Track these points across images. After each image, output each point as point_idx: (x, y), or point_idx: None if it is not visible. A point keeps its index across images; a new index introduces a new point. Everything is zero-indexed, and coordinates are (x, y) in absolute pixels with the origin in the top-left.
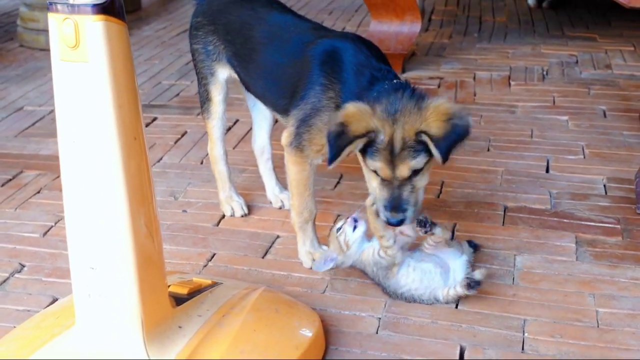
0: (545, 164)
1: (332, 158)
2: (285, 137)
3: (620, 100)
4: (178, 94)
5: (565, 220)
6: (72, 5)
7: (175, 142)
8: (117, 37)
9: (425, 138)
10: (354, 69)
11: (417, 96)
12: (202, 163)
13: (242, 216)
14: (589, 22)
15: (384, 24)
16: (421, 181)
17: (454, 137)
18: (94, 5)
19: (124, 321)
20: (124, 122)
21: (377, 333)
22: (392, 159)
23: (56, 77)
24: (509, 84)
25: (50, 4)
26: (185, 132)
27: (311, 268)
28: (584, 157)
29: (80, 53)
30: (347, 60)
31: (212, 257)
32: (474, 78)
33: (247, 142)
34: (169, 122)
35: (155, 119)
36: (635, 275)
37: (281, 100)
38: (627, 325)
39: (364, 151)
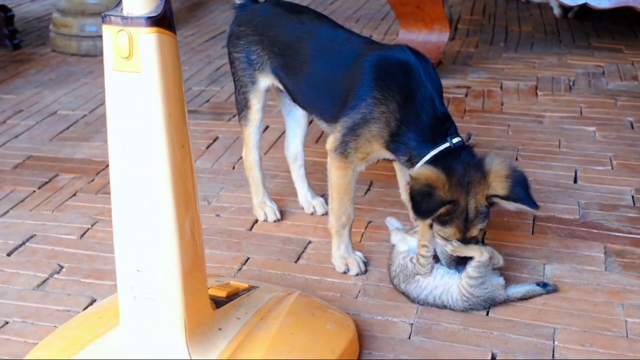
0: (574, 174)
1: (422, 213)
2: (331, 143)
3: None
4: (209, 100)
5: (593, 231)
6: (126, 18)
7: (207, 147)
8: (168, 48)
9: (498, 200)
10: (415, 97)
11: (477, 163)
12: (234, 168)
13: (275, 221)
14: (614, 33)
15: (413, 33)
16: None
17: (520, 186)
18: (148, 18)
19: (167, 322)
20: (173, 130)
21: (409, 338)
22: (465, 225)
23: (109, 86)
24: (536, 94)
25: (105, 16)
26: (217, 138)
27: (344, 272)
28: (612, 168)
29: (133, 63)
30: (406, 82)
31: (246, 261)
32: (501, 87)
33: (278, 148)
34: (201, 127)
35: None
36: None
37: (331, 109)
38: None
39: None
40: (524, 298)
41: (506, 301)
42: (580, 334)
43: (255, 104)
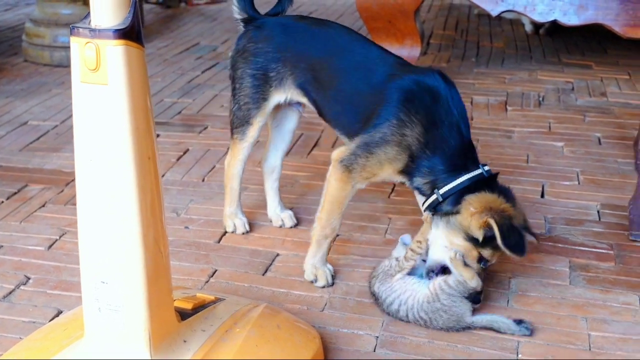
0: (541, 189)
1: (521, 250)
2: (338, 153)
3: (615, 128)
4: (180, 112)
5: (559, 245)
6: (94, 30)
7: (178, 159)
8: (135, 61)
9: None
10: (442, 123)
11: (508, 191)
12: (203, 180)
13: (243, 234)
14: (585, 50)
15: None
16: None
17: (527, 222)
18: (115, 31)
19: (132, 334)
20: (139, 143)
21: (374, 351)
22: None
23: (76, 98)
24: (506, 109)
25: (73, 27)
26: (188, 150)
27: (311, 282)
28: (579, 183)
29: (101, 76)
30: (434, 108)
31: (214, 273)
32: (472, 102)
33: (248, 161)
34: (172, 139)
35: (157, 136)
36: (627, 300)
37: (354, 125)
38: (619, 349)
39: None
40: (490, 328)
41: (469, 327)
42: (544, 347)
43: (259, 121)
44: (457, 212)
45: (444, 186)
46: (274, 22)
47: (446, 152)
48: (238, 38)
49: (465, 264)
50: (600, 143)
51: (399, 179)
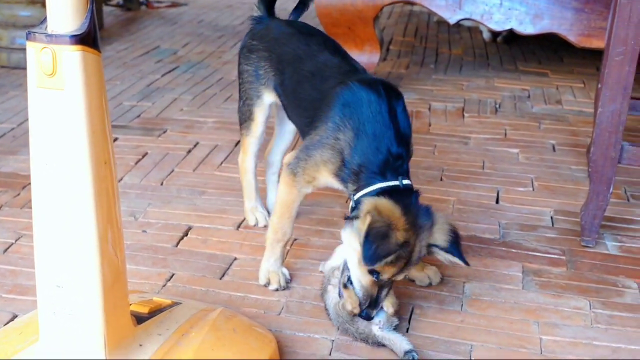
0: (496, 195)
1: (371, 259)
2: (287, 157)
3: (569, 135)
4: (139, 115)
5: (513, 250)
6: (50, 35)
7: (136, 163)
8: (92, 66)
9: (436, 250)
10: (373, 131)
11: (426, 210)
12: (162, 184)
13: (264, 226)
14: (541, 58)
15: None
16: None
17: (457, 243)
18: (72, 36)
19: (87, 338)
20: (95, 148)
21: (330, 355)
22: (403, 267)
23: (32, 103)
24: (463, 116)
25: (29, 33)
26: (146, 153)
27: (265, 285)
28: (533, 190)
29: (57, 81)
30: (367, 115)
31: (171, 277)
32: (430, 108)
33: (207, 164)
34: (130, 142)
35: (116, 139)
36: (577, 304)
37: (305, 128)
38: (569, 353)
39: None
40: (390, 348)
41: (377, 341)
42: (496, 350)
43: (260, 116)
44: (358, 216)
45: (359, 191)
46: (272, 23)
47: (372, 161)
48: (245, 36)
49: (348, 286)
50: (554, 150)
51: (337, 184)
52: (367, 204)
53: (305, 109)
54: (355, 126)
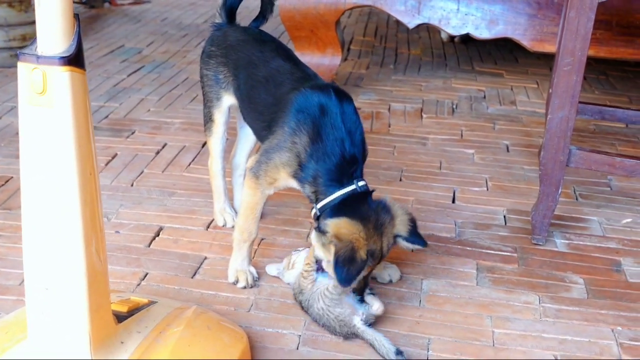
0: (452, 194)
1: (345, 281)
2: (249, 162)
3: (523, 136)
4: (107, 116)
5: (468, 248)
6: (40, 57)
7: (106, 164)
8: (79, 85)
9: (401, 240)
10: (326, 136)
11: (384, 206)
12: (132, 185)
13: (233, 227)
14: (497, 58)
15: (307, 55)
16: None
17: (416, 227)
18: (61, 58)
19: (73, 337)
20: (82, 161)
21: (297, 349)
22: (378, 262)
23: (23, 119)
24: (421, 116)
25: (20, 53)
26: (116, 154)
27: (233, 283)
28: (487, 189)
29: (47, 99)
30: (320, 120)
31: (145, 276)
32: (389, 109)
33: (176, 165)
34: (99, 144)
35: None
36: (527, 299)
37: (263, 132)
38: (519, 345)
39: None
40: (371, 345)
41: (357, 334)
42: (452, 344)
43: (219, 118)
44: (326, 233)
45: (321, 200)
46: (230, 30)
47: (327, 165)
48: (205, 42)
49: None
50: (508, 150)
51: (296, 185)
52: (330, 228)
53: (260, 113)
54: (310, 130)
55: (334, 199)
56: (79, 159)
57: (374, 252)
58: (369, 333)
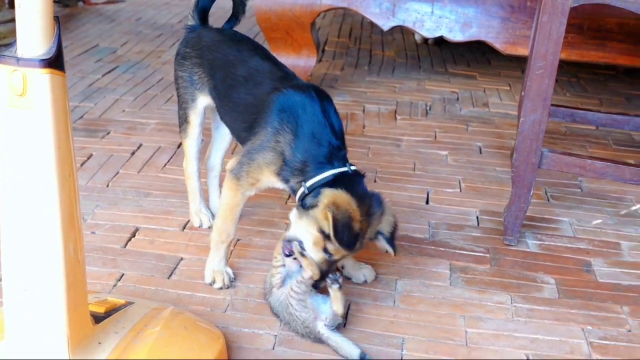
0: (426, 195)
1: (349, 245)
2: (230, 163)
3: (495, 138)
4: (82, 116)
5: (441, 249)
6: (21, 59)
7: (82, 165)
8: (59, 87)
9: (382, 238)
10: (311, 130)
11: (378, 199)
12: (108, 186)
13: (209, 227)
14: (470, 60)
15: (282, 57)
16: None
17: (395, 232)
18: (41, 60)
19: (52, 338)
20: (61, 162)
21: (273, 349)
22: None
23: (3, 121)
24: (396, 118)
25: (1, 56)
26: (91, 155)
27: (210, 284)
28: (460, 191)
29: (27, 101)
30: (303, 117)
31: (121, 277)
32: (364, 111)
33: (151, 166)
34: (75, 144)
35: None
36: (500, 299)
37: (242, 133)
38: (492, 344)
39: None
40: (335, 350)
41: (319, 338)
42: (426, 343)
43: (195, 119)
44: (316, 205)
45: (310, 179)
46: (204, 32)
47: (316, 155)
48: (179, 43)
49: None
50: (481, 152)
51: (279, 184)
52: (326, 196)
53: (240, 113)
54: (294, 128)
55: (327, 177)
56: (59, 160)
57: (364, 233)
58: (333, 339)
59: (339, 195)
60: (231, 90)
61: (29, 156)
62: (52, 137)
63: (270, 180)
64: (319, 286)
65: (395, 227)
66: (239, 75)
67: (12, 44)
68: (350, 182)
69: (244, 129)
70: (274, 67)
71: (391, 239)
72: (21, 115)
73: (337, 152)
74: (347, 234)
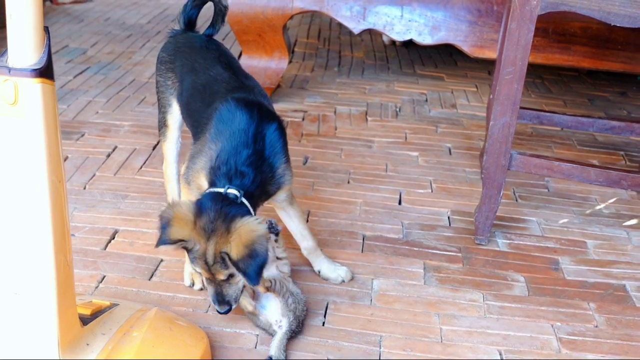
0: (398, 196)
1: (157, 244)
2: (182, 169)
3: (464, 139)
4: None
5: (415, 249)
6: (12, 69)
7: None
8: (49, 96)
9: (227, 259)
10: (235, 146)
11: (230, 217)
12: (85, 188)
13: None
14: (437, 62)
15: (254, 59)
16: (240, 279)
17: (251, 261)
18: (32, 70)
19: (43, 340)
20: (52, 169)
21: (255, 348)
22: (208, 267)
23: None
24: (366, 119)
25: None
26: (67, 157)
27: (189, 286)
28: (432, 191)
29: (19, 110)
30: (232, 129)
31: (103, 279)
32: (335, 112)
33: (127, 168)
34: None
35: None
36: (472, 297)
37: (196, 138)
38: (465, 341)
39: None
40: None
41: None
42: (402, 340)
43: (173, 123)
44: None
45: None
46: (181, 37)
47: (217, 172)
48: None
49: (218, 284)
50: (450, 153)
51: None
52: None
53: (195, 120)
54: (222, 140)
55: (206, 193)
56: (49, 168)
57: (191, 243)
58: (274, 341)
59: (181, 204)
60: (191, 98)
61: (20, 163)
62: (43, 144)
63: (205, 185)
64: (221, 312)
65: (251, 256)
66: (199, 83)
67: (3, 53)
68: (214, 199)
69: (194, 133)
70: (232, 76)
71: (241, 263)
72: (12, 123)
73: (234, 177)
74: (162, 232)
